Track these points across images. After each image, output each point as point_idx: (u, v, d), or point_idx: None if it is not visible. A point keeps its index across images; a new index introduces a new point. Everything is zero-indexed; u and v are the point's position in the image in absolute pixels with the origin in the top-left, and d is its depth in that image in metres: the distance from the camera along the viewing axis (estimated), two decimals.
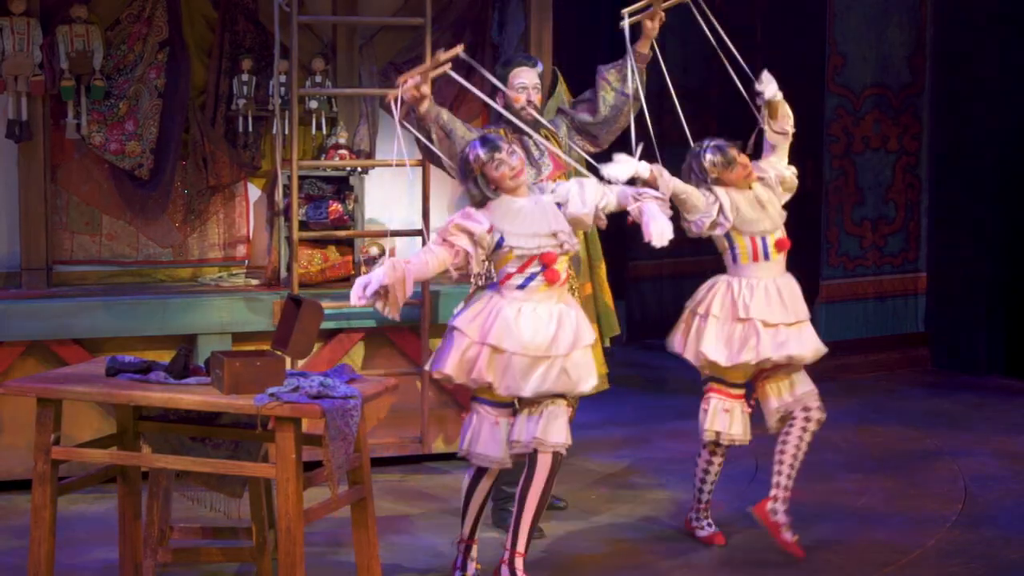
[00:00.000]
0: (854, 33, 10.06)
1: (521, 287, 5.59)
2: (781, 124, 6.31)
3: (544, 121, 6.40)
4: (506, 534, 5.73)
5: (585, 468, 7.65)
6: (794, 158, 6.42)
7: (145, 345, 6.99)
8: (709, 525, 6.42)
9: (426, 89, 5.99)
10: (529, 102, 6.35)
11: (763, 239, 6.21)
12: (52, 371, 5.61)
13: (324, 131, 7.74)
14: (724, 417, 6.26)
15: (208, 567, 5.82)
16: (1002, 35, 9.95)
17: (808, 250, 9.30)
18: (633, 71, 6.37)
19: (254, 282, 7.57)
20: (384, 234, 7.63)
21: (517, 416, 5.65)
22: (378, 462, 7.05)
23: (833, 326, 9.64)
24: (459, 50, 5.90)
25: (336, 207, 7.53)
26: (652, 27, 6.48)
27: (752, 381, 6.30)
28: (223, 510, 5.56)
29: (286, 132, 7.32)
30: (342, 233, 7.48)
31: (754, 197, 6.23)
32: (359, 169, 7.62)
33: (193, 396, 4.97)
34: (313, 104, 7.66)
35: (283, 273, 7.40)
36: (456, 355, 5.57)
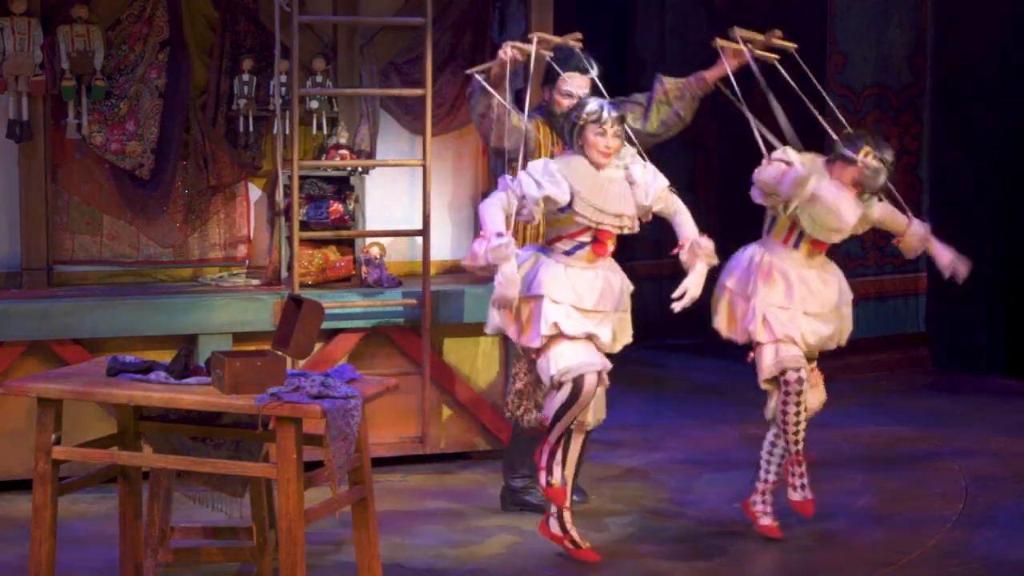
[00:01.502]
0: (855, 33, 10.05)
1: (567, 253, 5.92)
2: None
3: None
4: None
5: (584, 468, 7.64)
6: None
7: (146, 345, 6.99)
8: (767, 513, 6.39)
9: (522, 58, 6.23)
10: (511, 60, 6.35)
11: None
12: (53, 371, 5.61)
13: (325, 131, 7.73)
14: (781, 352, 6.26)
15: (209, 567, 5.82)
16: (1002, 35, 9.94)
17: None
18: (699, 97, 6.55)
19: (255, 282, 7.56)
20: (385, 234, 7.63)
21: None
22: (379, 462, 7.05)
23: None
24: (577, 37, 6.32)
25: (337, 207, 7.53)
26: (731, 64, 6.51)
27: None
28: (224, 510, 5.56)
29: (287, 132, 7.31)
30: (343, 233, 7.48)
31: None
32: (360, 169, 7.62)
33: (194, 396, 4.97)
34: (314, 104, 7.66)
35: (284, 273, 7.39)
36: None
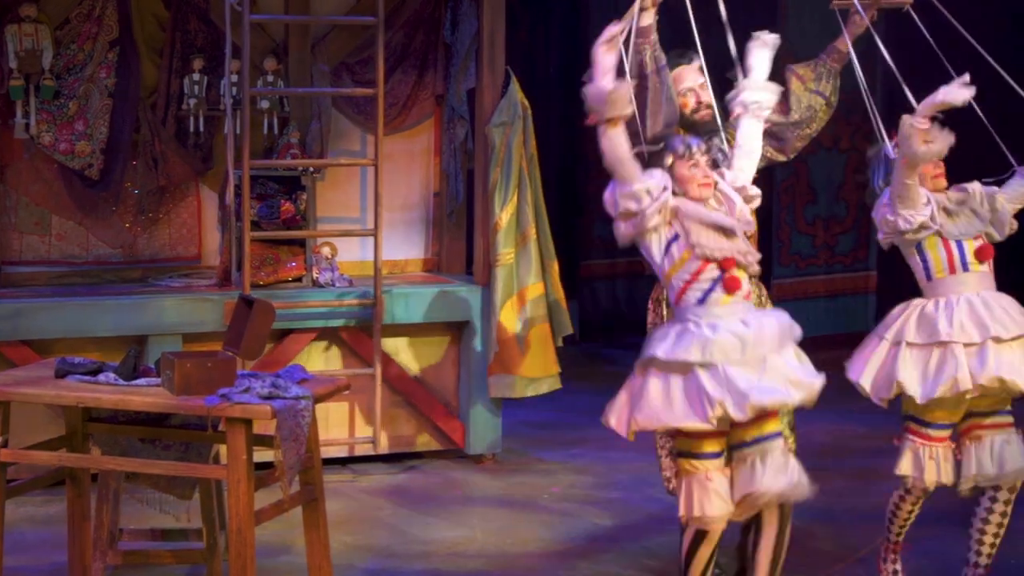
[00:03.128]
0: (806, 32, 10.10)
1: (701, 301, 4.96)
2: None
3: (720, 122, 5.51)
4: None
5: (538, 467, 7.66)
6: None
7: (95, 346, 6.95)
8: (895, 573, 5.73)
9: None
10: (700, 103, 5.58)
11: (960, 245, 5.46)
12: (0, 373, 5.56)
13: (276, 131, 7.71)
14: (921, 463, 5.50)
15: (158, 569, 5.79)
16: (948, 36, 10.01)
17: (760, 250, 9.33)
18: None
19: (205, 282, 7.53)
20: (337, 234, 7.62)
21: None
22: (330, 462, 7.04)
23: None
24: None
25: (288, 207, 7.51)
26: (861, 23, 5.72)
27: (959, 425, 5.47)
28: (173, 512, 5.53)
29: (238, 132, 7.29)
30: (294, 233, 7.46)
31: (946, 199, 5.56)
32: (311, 169, 7.60)
33: (143, 397, 4.94)
34: (265, 104, 7.63)
35: (234, 273, 7.36)
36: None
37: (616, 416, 5.03)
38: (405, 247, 8.08)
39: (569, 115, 9.90)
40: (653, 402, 4.88)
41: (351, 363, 7.48)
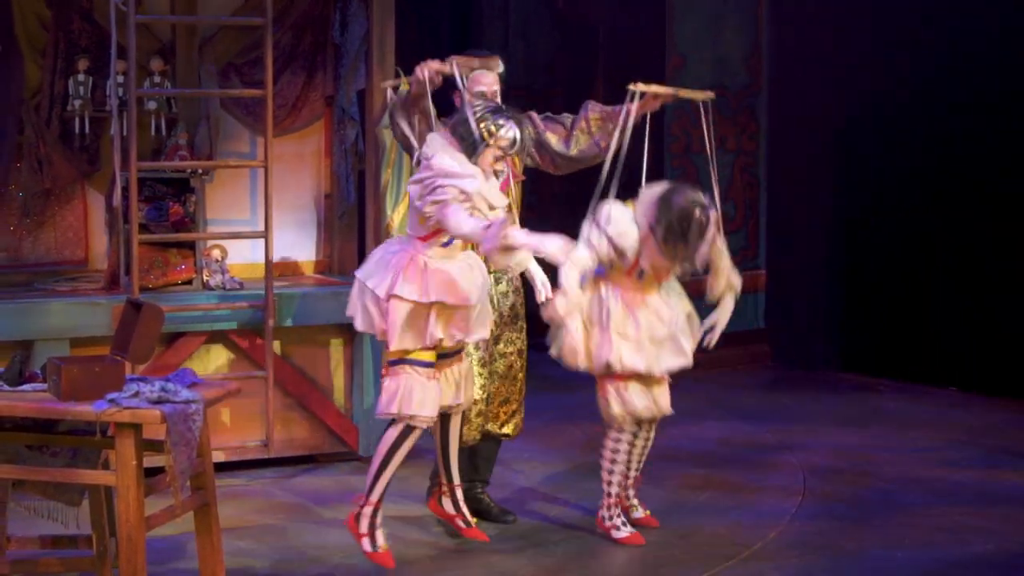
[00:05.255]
0: (693, 35, 10.22)
1: (445, 244, 5.78)
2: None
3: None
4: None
5: (431, 468, 7.64)
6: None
7: None
8: (624, 524, 6.37)
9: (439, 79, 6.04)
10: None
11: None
12: None
13: (164, 132, 7.63)
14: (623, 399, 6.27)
15: None
16: (833, 38, 10.18)
17: None
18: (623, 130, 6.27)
19: (92, 286, 7.43)
20: (226, 236, 7.55)
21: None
22: (222, 467, 6.97)
23: None
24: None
25: (177, 209, 7.44)
26: (653, 105, 6.33)
27: None
28: (62, 519, 5.45)
29: (124, 133, 7.20)
30: (183, 235, 7.38)
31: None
32: (200, 170, 7.53)
33: (29, 403, 4.89)
34: (152, 105, 7.55)
35: (122, 277, 7.27)
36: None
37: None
38: (296, 249, 8.05)
39: None
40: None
41: (243, 366, 7.42)
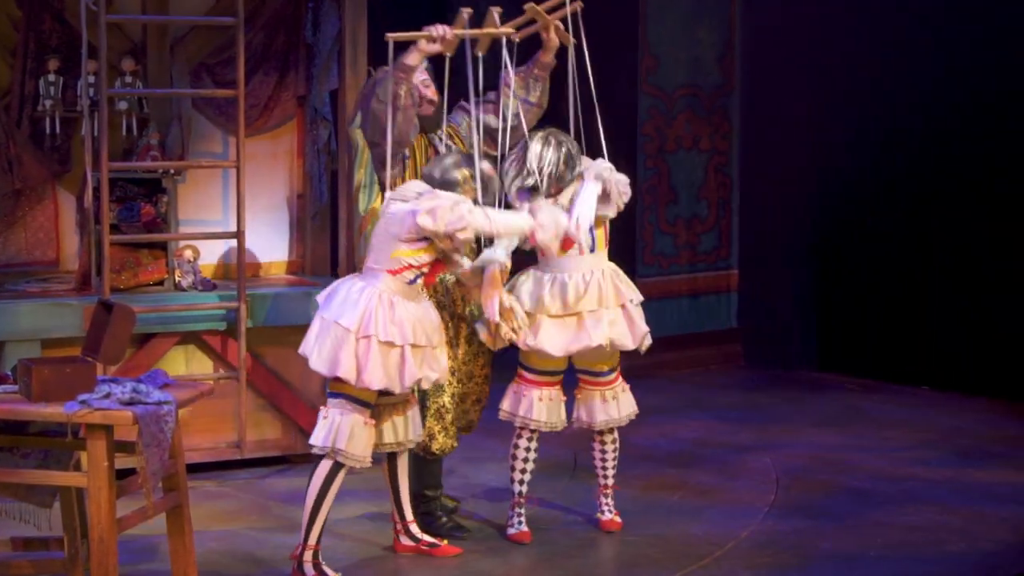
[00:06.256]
0: (666, 35, 10.23)
1: (411, 282, 5.84)
2: None
3: (444, 117, 6.30)
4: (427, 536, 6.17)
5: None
6: (609, 158, 6.44)
7: None
8: (520, 522, 6.43)
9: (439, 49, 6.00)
10: (422, 97, 6.20)
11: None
12: None
13: (135, 132, 7.60)
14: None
15: None
16: (806, 37, 10.20)
17: (624, 249, 9.43)
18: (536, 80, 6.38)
19: (63, 287, 7.39)
20: (199, 236, 7.52)
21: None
22: (195, 468, 6.95)
23: (649, 324, 9.82)
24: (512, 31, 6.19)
25: (148, 209, 7.41)
26: (549, 38, 6.32)
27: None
28: (33, 521, 5.43)
29: (96, 133, 7.16)
30: (155, 236, 7.35)
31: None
32: (172, 171, 7.50)
33: (0, 405, 4.85)
34: (123, 105, 7.51)
35: (94, 278, 7.24)
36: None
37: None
38: (269, 249, 8.02)
39: None
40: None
41: (215, 367, 7.40)
